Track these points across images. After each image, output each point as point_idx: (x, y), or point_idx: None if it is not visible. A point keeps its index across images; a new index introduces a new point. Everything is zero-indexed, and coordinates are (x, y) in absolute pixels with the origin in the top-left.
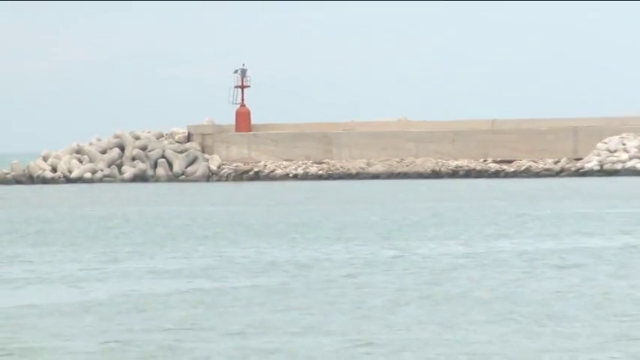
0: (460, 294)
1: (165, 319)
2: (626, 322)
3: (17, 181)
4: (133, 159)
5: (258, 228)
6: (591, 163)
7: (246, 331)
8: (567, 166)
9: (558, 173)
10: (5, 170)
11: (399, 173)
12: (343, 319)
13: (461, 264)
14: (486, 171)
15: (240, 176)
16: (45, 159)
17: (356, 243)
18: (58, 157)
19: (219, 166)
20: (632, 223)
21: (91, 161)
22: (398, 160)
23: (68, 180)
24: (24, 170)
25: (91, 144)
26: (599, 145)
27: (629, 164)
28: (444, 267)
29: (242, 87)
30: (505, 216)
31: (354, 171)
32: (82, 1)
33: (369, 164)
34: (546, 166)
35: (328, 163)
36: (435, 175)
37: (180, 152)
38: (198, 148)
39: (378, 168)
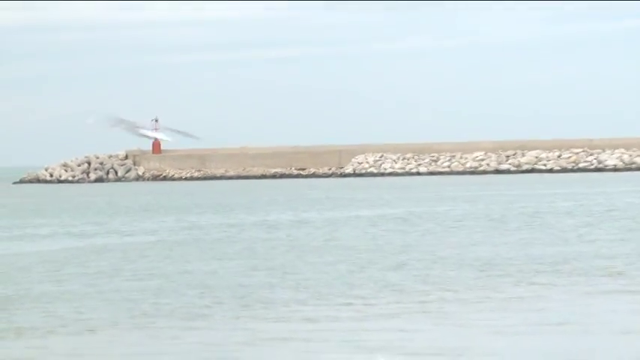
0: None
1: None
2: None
3: (30, 181)
4: (95, 169)
5: (166, 206)
6: (349, 169)
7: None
8: (335, 171)
9: (330, 175)
10: (24, 176)
11: (244, 176)
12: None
13: (302, 223)
14: (291, 174)
15: (155, 178)
16: (46, 169)
17: (228, 214)
18: (53, 169)
19: (142, 173)
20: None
21: (72, 170)
22: (242, 169)
23: (59, 181)
24: (35, 176)
25: (71, 161)
26: (353, 159)
27: (369, 170)
28: (268, 226)
29: (156, 129)
30: (302, 199)
31: (218, 174)
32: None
33: (226, 171)
34: (323, 172)
35: (205, 171)
36: (263, 177)
37: (122, 165)
38: (132, 162)
39: (232, 173)
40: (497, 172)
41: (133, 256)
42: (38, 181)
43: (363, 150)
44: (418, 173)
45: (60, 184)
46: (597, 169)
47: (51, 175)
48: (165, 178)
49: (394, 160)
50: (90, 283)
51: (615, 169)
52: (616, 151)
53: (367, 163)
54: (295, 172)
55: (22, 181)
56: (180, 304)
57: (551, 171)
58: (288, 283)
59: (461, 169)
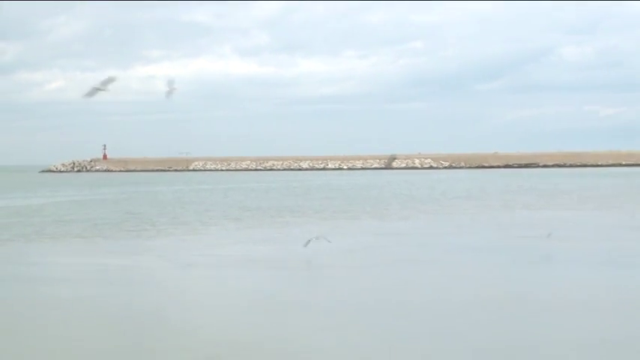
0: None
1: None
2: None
3: (46, 172)
4: (77, 166)
5: (110, 182)
6: (191, 167)
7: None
8: (185, 169)
9: (182, 170)
10: (43, 169)
11: (145, 170)
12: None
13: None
14: (166, 169)
15: (104, 171)
16: (54, 166)
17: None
18: (57, 165)
19: (98, 168)
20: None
21: (65, 166)
22: (144, 167)
23: (60, 171)
24: (48, 169)
25: (65, 161)
26: (194, 163)
27: (201, 168)
28: (171, 198)
29: (105, 148)
30: (175, 180)
31: (132, 169)
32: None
33: (136, 168)
34: (180, 169)
35: (127, 167)
36: (152, 170)
37: (89, 164)
38: (93, 163)
39: (140, 169)
40: (256, 170)
41: (100, 204)
42: (50, 171)
43: (198, 159)
44: (222, 170)
45: (60, 173)
46: (324, 169)
47: (56, 169)
48: (108, 171)
49: (212, 164)
50: (81, 216)
51: (334, 169)
52: (335, 161)
53: (200, 165)
54: (168, 168)
55: (42, 171)
56: (125, 224)
57: (283, 170)
58: (171, 216)
59: (241, 168)
